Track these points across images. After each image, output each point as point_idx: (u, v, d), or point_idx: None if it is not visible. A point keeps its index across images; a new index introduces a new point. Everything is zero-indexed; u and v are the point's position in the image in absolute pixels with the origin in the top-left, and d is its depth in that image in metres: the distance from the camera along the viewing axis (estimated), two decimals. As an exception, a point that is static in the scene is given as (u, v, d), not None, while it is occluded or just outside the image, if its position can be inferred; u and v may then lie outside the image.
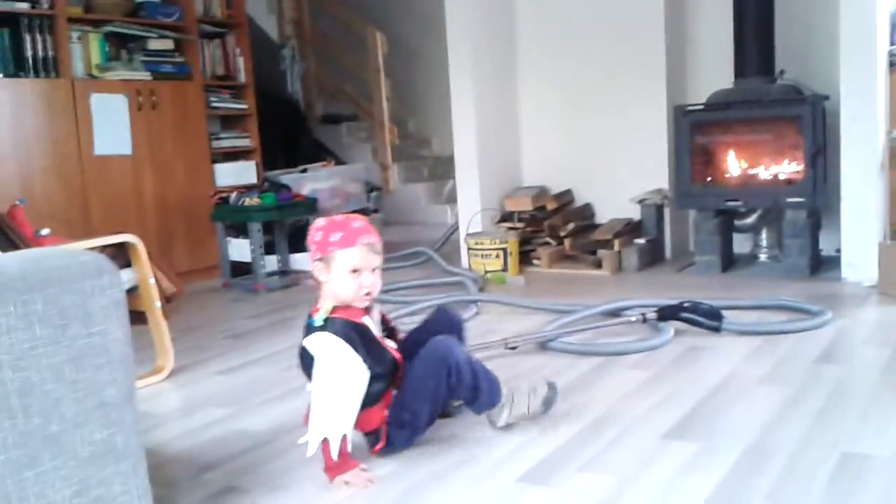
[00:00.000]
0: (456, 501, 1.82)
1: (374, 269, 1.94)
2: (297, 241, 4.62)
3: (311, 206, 4.57)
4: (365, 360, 1.90)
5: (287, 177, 4.87)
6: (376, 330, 2.01)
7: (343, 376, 1.88)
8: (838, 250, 3.79)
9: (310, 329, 1.93)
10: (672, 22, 4.45)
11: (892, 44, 3.82)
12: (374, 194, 5.83)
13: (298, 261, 4.56)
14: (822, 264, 4.02)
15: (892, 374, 2.45)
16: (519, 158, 4.91)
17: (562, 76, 4.75)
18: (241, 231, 4.46)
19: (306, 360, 1.94)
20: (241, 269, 4.47)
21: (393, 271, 4.60)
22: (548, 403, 2.22)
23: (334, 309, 1.93)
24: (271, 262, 4.51)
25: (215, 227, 4.51)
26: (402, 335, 2.20)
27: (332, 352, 1.88)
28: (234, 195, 4.46)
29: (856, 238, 3.69)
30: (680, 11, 4.52)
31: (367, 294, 1.95)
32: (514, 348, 2.88)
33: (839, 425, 2.09)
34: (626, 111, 4.56)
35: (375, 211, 5.52)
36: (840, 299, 3.41)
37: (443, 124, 4.90)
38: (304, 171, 5.07)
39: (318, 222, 1.97)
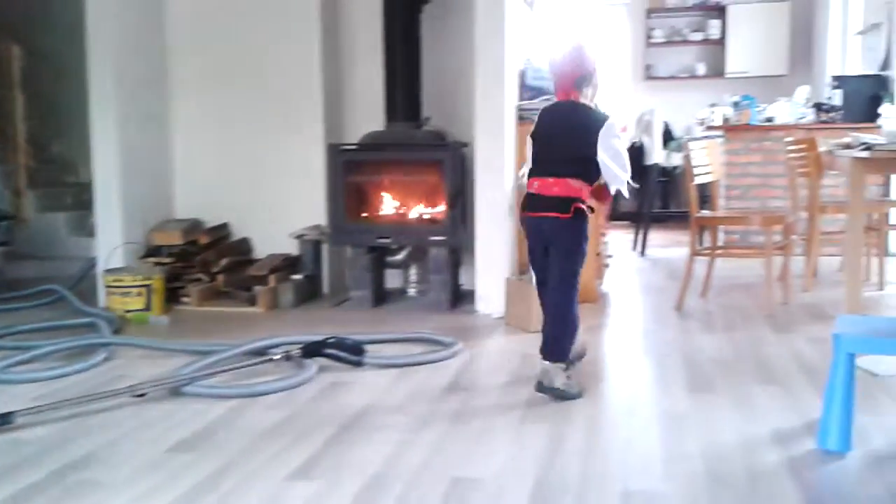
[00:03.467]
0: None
1: None
2: None
3: None
4: None
5: None
6: None
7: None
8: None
9: (599, 114, 2.76)
10: (328, 63, 4.54)
11: (520, 99, 4.27)
12: (4, 223, 5.12)
13: None
14: (462, 298, 4.33)
15: (506, 400, 2.67)
16: (170, 189, 4.65)
17: (220, 107, 4.61)
18: None
19: (593, 131, 2.68)
20: None
21: (15, 312, 4.05)
22: None
23: None
24: None
25: None
26: None
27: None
28: None
29: (488, 274, 4.03)
30: (335, 53, 4.64)
31: None
32: (142, 395, 2.65)
33: (453, 451, 2.22)
34: (287, 147, 4.56)
35: (5, 243, 4.84)
36: (473, 330, 3.69)
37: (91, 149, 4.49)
38: None
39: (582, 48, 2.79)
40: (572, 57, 2.75)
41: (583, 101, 2.75)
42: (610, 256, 5.10)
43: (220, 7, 4.57)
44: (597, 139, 2.64)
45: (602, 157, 2.65)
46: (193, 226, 4.44)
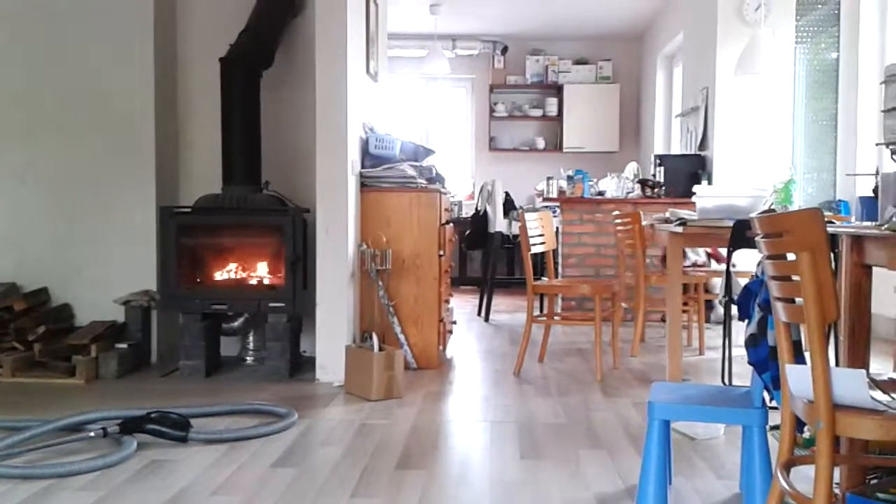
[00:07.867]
0: None
1: None
2: None
3: None
4: None
5: None
6: None
7: None
8: (317, 353, 4.03)
9: None
10: (162, 121, 4.40)
11: (363, 167, 4.30)
12: None
13: None
14: (303, 366, 4.22)
15: (339, 473, 2.60)
16: (-17, 251, 4.30)
17: (41, 163, 4.34)
18: None
19: None
20: None
21: None
22: None
23: None
24: None
25: None
26: None
27: None
28: None
29: (328, 341, 3.96)
30: (172, 112, 4.51)
31: None
32: (-68, 480, 2.38)
33: (279, 531, 2.12)
34: (115, 207, 4.34)
35: None
36: (311, 399, 3.59)
37: None
38: None
39: None
40: None
41: None
42: (454, 322, 5.17)
43: (41, 52, 4.34)
44: None
45: None
46: (8, 291, 4.10)
